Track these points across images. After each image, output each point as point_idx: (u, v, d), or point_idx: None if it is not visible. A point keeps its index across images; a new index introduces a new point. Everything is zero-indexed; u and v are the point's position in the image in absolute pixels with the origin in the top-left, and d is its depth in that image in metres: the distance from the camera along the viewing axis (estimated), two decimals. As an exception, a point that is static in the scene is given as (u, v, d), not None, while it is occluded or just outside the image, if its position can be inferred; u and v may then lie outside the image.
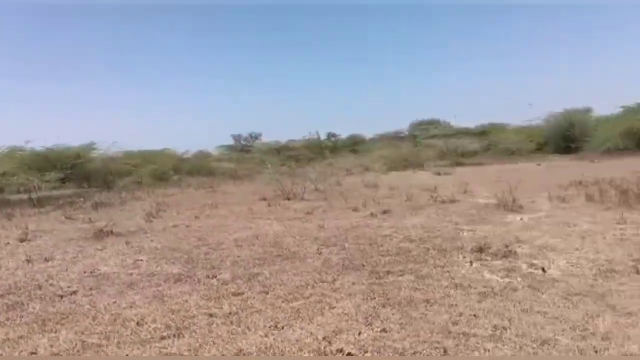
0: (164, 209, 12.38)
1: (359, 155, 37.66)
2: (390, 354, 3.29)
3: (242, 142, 43.70)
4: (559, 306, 4.10)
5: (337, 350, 3.43)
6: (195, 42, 64.28)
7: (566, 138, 32.92)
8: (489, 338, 3.47)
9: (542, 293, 4.49)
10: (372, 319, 4.02)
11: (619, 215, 8.08)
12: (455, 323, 3.81)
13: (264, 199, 13.58)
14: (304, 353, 3.41)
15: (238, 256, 6.61)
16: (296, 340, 3.65)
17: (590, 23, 61.04)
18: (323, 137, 40.69)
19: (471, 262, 5.72)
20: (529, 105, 68.46)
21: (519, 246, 6.34)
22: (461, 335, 3.53)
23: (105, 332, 4.04)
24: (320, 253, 6.60)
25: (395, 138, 43.61)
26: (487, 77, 64.31)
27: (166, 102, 65.17)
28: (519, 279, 4.97)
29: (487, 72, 64.27)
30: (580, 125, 32.79)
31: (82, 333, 4.05)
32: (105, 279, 5.80)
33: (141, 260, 6.70)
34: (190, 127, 63.10)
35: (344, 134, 47.51)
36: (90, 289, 5.40)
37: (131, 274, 5.96)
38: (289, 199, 13.34)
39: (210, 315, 4.36)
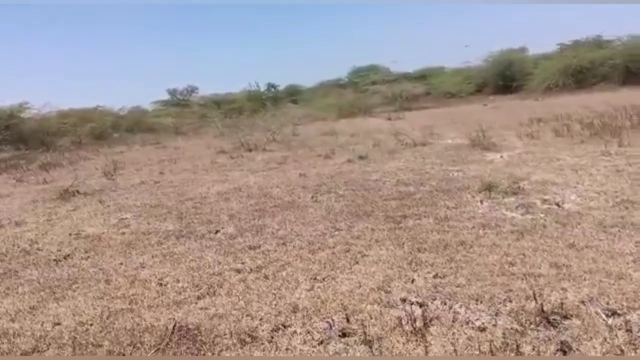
0: (120, 166, 11.54)
1: (302, 104, 37.00)
2: (465, 300, 3.04)
3: (178, 96, 41.69)
4: (601, 239, 3.98)
5: (401, 300, 3.14)
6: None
7: (505, 78, 33.63)
8: (557, 277, 3.26)
9: (574, 227, 4.36)
10: (417, 265, 3.75)
11: (598, 147, 8.20)
12: (510, 264, 3.59)
13: (223, 152, 12.98)
14: (366, 305, 3.10)
15: (231, 209, 6.15)
16: (349, 292, 3.32)
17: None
18: (263, 88, 39.43)
19: (482, 201, 5.56)
20: (466, 47, 69.07)
21: (520, 183, 6.24)
22: (528, 277, 3.31)
23: (128, 296, 3.57)
24: (317, 201, 6.25)
25: (335, 86, 43.04)
26: (424, 22, 64.43)
27: (91, 60, 61.23)
28: (541, 215, 4.84)
29: (422, 18, 64.35)
30: (519, 65, 33.55)
31: (101, 298, 3.56)
32: (97, 240, 5.23)
33: (126, 218, 6.13)
34: (119, 84, 59.81)
35: (281, 84, 46.45)
36: (86, 251, 4.86)
37: (124, 234, 5.42)
38: (250, 151, 12.79)
39: (238, 271, 3.96)
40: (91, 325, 3.11)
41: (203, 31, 68.12)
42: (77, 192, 7.95)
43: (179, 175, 9.43)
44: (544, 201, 5.37)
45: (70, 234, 5.58)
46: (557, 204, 5.22)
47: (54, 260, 4.69)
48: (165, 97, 41.89)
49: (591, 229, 4.28)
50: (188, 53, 66.94)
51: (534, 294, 2.94)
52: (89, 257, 4.71)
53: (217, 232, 5.23)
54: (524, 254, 3.78)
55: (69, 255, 4.80)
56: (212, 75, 67.18)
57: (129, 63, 62.48)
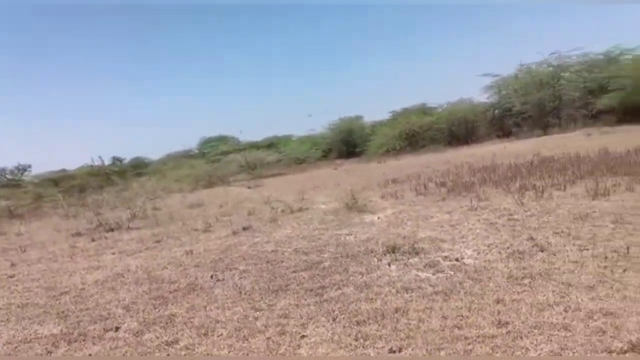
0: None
1: (150, 177, 35.48)
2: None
3: (6, 176, 37.30)
4: (520, 292, 4.23)
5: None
6: None
7: (348, 143, 36.17)
8: (509, 336, 3.36)
9: (489, 282, 4.60)
10: (365, 340, 3.61)
11: (461, 203, 8.98)
12: (457, 327, 3.63)
13: (80, 234, 11.70)
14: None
15: (123, 300, 5.44)
16: (313, 383, 3.06)
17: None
18: (107, 162, 37.03)
19: (389, 264, 5.65)
20: (309, 116, 73.04)
21: (416, 243, 6.48)
22: (483, 339, 3.36)
23: None
24: (220, 280, 5.83)
25: (184, 157, 42.39)
26: (268, 94, 67.00)
27: None
28: (451, 273, 5.04)
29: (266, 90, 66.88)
30: (359, 131, 36.37)
31: None
32: (-38, 360, 4.21)
33: (-10, 326, 5.07)
34: None
35: (126, 157, 44.33)
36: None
37: (-6, 347, 4.44)
38: (112, 230, 11.70)
39: (170, 376, 3.44)
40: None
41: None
42: None
43: (36, 266, 8.20)
44: (445, 258, 5.63)
45: None
46: (457, 260, 5.51)
47: None
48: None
49: (505, 282, 4.54)
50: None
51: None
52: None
53: (117, 328, 4.56)
54: (462, 315, 3.85)
55: None
56: (46, 151, 61.58)
57: None
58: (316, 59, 68.80)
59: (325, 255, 6.39)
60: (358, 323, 3.97)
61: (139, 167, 43.71)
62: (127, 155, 44.28)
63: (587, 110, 27.26)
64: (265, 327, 4.13)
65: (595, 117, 26.43)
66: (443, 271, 5.14)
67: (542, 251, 5.40)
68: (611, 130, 21.28)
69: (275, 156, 33.35)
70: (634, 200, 7.21)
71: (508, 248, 5.69)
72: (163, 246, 8.66)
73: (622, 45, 28.77)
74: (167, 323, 4.53)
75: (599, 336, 3.19)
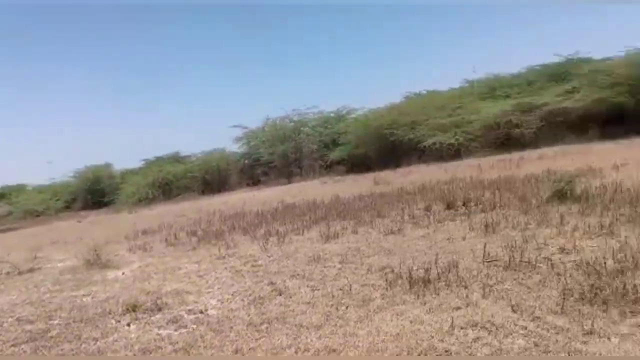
0: None
1: None
2: None
3: None
4: (258, 338, 4.38)
5: None
6: None
7: (95, 193, 33.75)
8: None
9: (230, 332, 4.66)
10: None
11: (210, 252, 9.05)
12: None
13: None
14: None
15: None
16: None
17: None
18: None
19: (129, 324, 5.31)
20: (48, 163, 65.80)
21: (159, 298, 6.25)
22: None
23: None
24: None
25: None
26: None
27: None
28: (193, 327, 4.97)
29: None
30: (107, 180, 34.30)
31: None
32: None
33: None
34: None
35: None
36: None
37: None
38: None
39: None
40: None
41: None
42: None
43: None
44: (189, 311, 5.54)
45: None
46: (202, 312, 5.47)
47: None
48: None
49: (245, 330, 4.65)
50: None
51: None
52: None
53: None
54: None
55: None
56: None
57: None
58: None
59: (55, 322, 5.69)
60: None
61: None
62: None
63: (323, 161, 30.77)
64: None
65: (330, 167, 30.04)
66: (186, 326, 5.03)
67: (280, 295, 5.71)
68: (342, 179, 24.20)
69: (6, 208, 29.06)
70: (357, 241, 8.21)
71: (250, 295, 5.88)
72: None
73: (350, 105, 33.87)
74: None
75: (323, 373, 3.48)
